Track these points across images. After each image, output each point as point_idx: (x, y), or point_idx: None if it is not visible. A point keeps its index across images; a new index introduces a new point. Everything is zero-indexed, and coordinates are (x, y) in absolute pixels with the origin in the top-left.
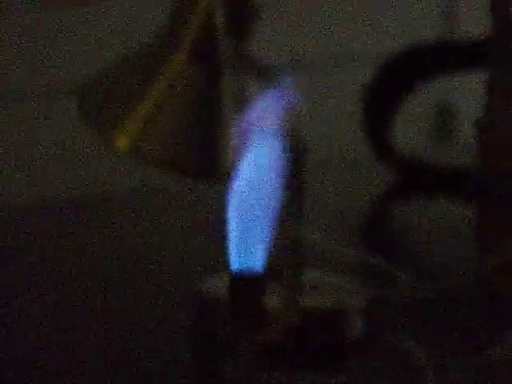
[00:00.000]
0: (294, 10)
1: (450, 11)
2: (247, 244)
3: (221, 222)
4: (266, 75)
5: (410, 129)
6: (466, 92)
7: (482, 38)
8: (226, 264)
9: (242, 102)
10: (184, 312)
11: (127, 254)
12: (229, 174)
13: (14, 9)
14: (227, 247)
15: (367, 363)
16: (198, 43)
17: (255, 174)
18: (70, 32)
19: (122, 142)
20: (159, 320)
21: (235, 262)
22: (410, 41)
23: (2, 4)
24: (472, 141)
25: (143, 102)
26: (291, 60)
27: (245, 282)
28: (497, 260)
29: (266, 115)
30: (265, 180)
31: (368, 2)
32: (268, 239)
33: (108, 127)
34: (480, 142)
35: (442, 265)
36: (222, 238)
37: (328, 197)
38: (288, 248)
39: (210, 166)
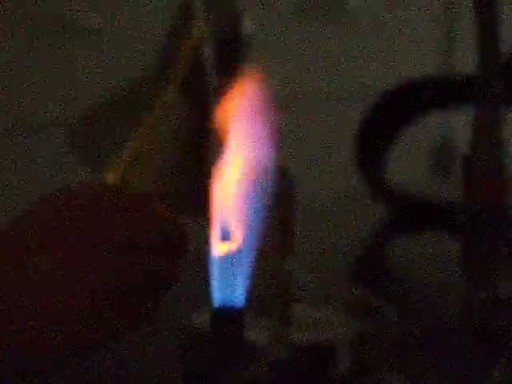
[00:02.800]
0: (286, 48)
1: (446, 48)
2: (230, 279)
3: (205, 258)
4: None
5: (403, 165)
6: (462, 128)
7: (473, 74)
8: (209, 299)
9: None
10: (170, 347)
11: None
12: (215, 209)
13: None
14: (210, 283)
15: None
16: (188, 79)
17: (240, 209)
18: (61, 67)
19: (112, 177)
20: (145, 355)
21: (218, 298)
22: (404, 78)
23: None
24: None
25: (133, 137)
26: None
27: (227, 317)
28: (485, 295)
29: (256, 149)
30: (250, 214)
31: (363, 40)
32: (251, 275)
33: (98, 162)
34: (464, 178)
35: (430, 300)
36: (206, 273)
37: (318, 232)
38: (276, 283)
39: (197, 201)
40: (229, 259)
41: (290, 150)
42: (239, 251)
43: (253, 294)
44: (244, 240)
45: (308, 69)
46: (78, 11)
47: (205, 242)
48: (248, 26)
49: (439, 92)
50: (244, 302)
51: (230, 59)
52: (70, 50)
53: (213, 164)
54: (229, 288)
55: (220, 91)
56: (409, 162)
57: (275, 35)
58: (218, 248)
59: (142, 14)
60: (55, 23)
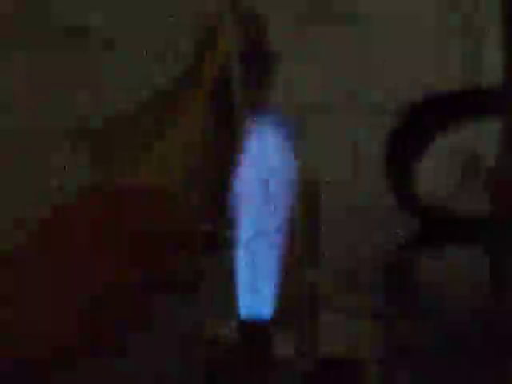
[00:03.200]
0: (315, 58)
1: (474, 59)
2: (257, 292)
3: (231, 270)
4: (283, 123)
5: (430, 177)
6: (488, 140)
7: (499, 86)
8: (236, 312)
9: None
10: (196, 360)
11: None
12: (239, 220)
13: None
14: (237, 295)
15: None
16: (214, 91)
17: (265, 220)
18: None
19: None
20: (170, 367)
21: (244, 311)
22: (431, 90)
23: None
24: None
25: (156, 148)
26: (312, 108)
27: (254, 330)
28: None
29: (278, 162)
30: (275, 226)
31: (390, 50)
32: (278, 287)
33: (119, 172)
34: (491, 190)
35: (457, 313)
36: (233, 286)
37: (344, 244)
38: (302, 296)
39: (222, 211)
40: (255, 271)
41: (316, 161)
42: (265, 262)
43: (279, 306)
44: (269, 251)
45: (331, 77)
46: (99, 22)
47: (231, 253)
48: (271, 40)
49: (466, 104)
50: (271, 314)
51: (255, 71)
52: (92, 60)
53: (237, 176)
54: (255, 300)
55: (245, 102)
56: (436, 173)
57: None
58: (244, 260)
59: (166, 26)
60: (77, 35)
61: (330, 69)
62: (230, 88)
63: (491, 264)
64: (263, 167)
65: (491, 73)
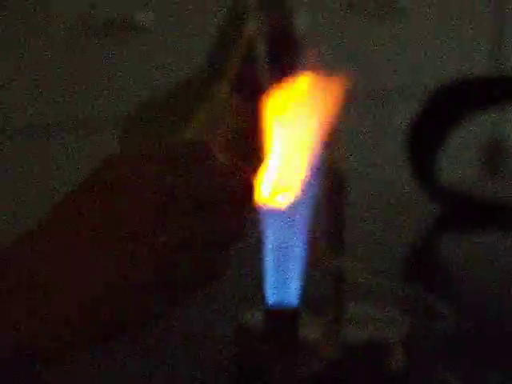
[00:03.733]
0: (338, 45)
1: (498, 45)
2: (284, 278)
3: (258, 257)
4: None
5: (456, 163)
6: None
7: None
8: (263, 298)
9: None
10: (223, 346)
11: None
12: (267, 208)
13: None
14: (264, 281)
15: None
16: (241, 76)
17: (293, 208)
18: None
19: None
20: (199, 355)
21: (272, 296)
22: (458, 75)
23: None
24: None
25: (183, 133)
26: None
27: (281, 316)
28: None
29: (306, 149)
30: (302, 213)
31: (415, 37)
32: (304, 274)
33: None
34: None
35: (482, 298)
36: (260, 272)
37: (370, 230)
38: (329, 281)
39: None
40: (282, 258)
41: (342, 149)
42: (292, 249)
43: (306, 292)
44: (296, 237)
45: (358, 66)
46: (131, 10)
47: (258, 240)
48: (300, 24)
49: (490, 90)
50: (298, 301)
51: (282, 57)
52: (122, 48)
53: (262, 160)
54: (283, 287)
55: (272, 88)
56: (460, 159)
57: (325, 32)
58: (272, 246)
59: (193, 12)
60: (108, 22)
61: (350, 55)
62: (257, 71)
63: None
64: (291, 153)
65: None
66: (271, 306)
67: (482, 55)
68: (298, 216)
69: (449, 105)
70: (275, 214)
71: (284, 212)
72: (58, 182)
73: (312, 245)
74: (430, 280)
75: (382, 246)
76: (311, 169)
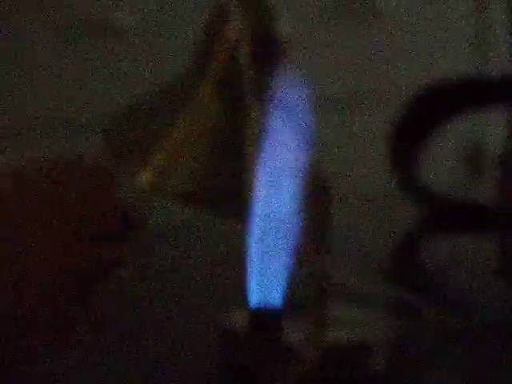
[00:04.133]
0: (320, 49)
1: (480, 47)
2: (267, 280)
3: (241, 258)
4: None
5: (437, 166)
6: (496, 128)
7: (507, 74)
8: (245, 300)
9: (265, 138)
10: (207, 348)
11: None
12: (251, 210)
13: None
14: (248, 283)
15: None
16: (224, 78)
17: (277, 209)
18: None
19: (146, 177)
20: (183, 356)
21: (256, 298)
22: (436, 78)
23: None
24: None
25: (168, 136)
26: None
27: (265, 318)
28: None
29: (289, 152)
30: (286, 215)
31: (393, 41)
32: (288, 275)
33: (132, 162)
34: (498, 178)
35: (467, 300)
36: (243, 273)
37: (354, 232)
38: (312, 283)
39: (232, 201)
40: (265, 259)
41: (325, 150)
42: (275, 250)
43: (290, 294)
44: (280, 239)
45: (338, 69)
46: (110, 11)
47: (241, 241)
48: (283, 26)
49: (472, 92)
50: (282, 302)
51: (266, 59)
52: (102, 50)
53: (248, 163)
54: (266, 288)
55: (256, 91)
56: (442, 162)
57: (305, 36)
58: (255, 247)
59: (176, 14)
60: (88, 24)
61: (334, 62)
62: (241, 74)
63: (500, 250)
64: (275, 156)
65: (498, 59)
66: (255, 307)
67: (463, 58)
68: (282, 218)
69: (430, 107)
70: (259, 214)
71: (268, 213)
72: None
73: (296, 246)
74: (415, 281)
75: (366, 248)
76: (295, 170)
